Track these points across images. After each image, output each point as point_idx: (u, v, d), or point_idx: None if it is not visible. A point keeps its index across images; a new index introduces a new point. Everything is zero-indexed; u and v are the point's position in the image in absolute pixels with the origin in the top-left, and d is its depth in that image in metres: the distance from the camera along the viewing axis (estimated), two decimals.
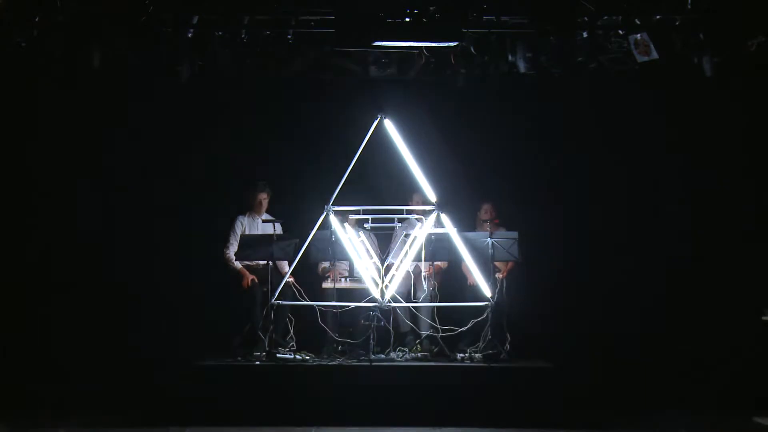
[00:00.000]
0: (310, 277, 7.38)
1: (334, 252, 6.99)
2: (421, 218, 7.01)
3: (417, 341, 7.05)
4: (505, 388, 6.18)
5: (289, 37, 7.22)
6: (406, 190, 7.38)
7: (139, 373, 7.03)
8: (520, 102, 8.01)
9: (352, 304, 6.91)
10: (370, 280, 6.88)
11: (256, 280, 7.15)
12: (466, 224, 7.26)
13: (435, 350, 7.00)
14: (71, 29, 6.94)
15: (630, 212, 7.92)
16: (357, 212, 7.01)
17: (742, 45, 6.97)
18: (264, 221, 7.31)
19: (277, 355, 6.65)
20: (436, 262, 7.19)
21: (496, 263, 7.06)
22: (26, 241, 7.81)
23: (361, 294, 7.10)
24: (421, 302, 7.09)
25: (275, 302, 6.77)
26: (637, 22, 7.00)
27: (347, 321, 7.06)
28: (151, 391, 6.60)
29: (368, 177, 7.48)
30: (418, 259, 6.93)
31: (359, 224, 7.22)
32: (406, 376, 6.31)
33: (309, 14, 7.13)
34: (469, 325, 6.79)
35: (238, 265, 7.24)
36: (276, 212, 7.44)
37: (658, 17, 7.03)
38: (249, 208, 7.46)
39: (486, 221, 7.38)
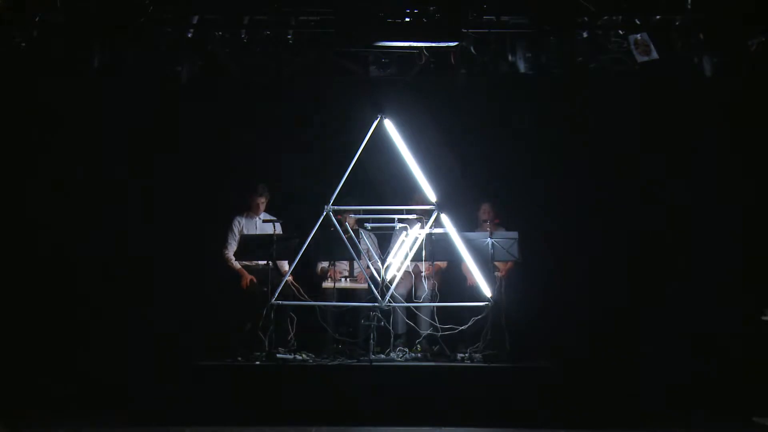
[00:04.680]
0: (309, 277, 7.38)
1: (334, 252, 6.98)
2: (421, 218, 7.00)
3: (417, 341, 7.04)
4: (505, 388, 6.18)
5: (289, 37, 7.22)
6: (406, 190, 7.38)
7: (139, 372, 7.03)
8: (520, 102, 8.01)
9: (352, 304, 6.92)
10: (370, 280, 6.88)
11: (255, 281, 7.16)
12: (466, 224, 7.25)
13: (435, 349, 7.00)
14: (71, 29, 6.94)
15: (630, 212, 7.91)
16: (357, 212, 7.01)
17: (742, 45, 6.98)
18: (264, 221, 7.31)
19: (277, 355, 6.64)
20: (436, 262, 7.19)
21: (496, 263, 7.06)
22: (24, 241, 7.80)
23: (361, 294, 7.11)
24: (421, 302, 7.09)
25: (275, 302, 6.77)
26: (637, 22, 7.01)
27: (347, 321, 7.07)
28: (152, 391, 6.59)
29: (368, 177, 7.48)
30: (418, 259, 6.93)
31: (359, 224, 7.21)
32: (406, 376, 6.31)
33: (309, 14, 7.13)
34: (470, 323, 6.79)
35: (237, 265, 7.24)
36: (276, 212, 7.44)
37: (658, 17, 7.04)
38: (247, 208, 7.46)
39: (486, 221, 7.38)
